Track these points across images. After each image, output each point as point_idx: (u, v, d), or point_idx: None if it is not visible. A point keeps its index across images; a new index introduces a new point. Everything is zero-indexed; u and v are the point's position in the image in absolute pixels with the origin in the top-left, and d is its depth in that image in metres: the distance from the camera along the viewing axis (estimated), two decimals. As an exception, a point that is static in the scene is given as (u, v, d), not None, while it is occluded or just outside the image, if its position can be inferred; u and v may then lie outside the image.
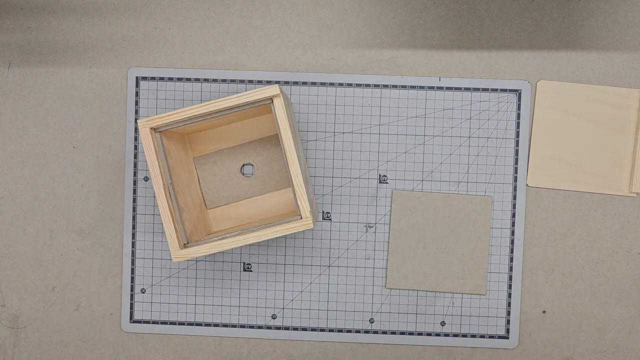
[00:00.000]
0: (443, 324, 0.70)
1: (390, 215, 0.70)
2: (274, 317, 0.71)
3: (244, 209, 0.69)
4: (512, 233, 0.70)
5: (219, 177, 0.69)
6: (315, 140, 0.70)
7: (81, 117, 0.71)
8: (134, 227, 0.71)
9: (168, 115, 0.59)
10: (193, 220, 0.64)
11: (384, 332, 0.70)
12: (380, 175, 0.70)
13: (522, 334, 0.70)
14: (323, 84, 0.70)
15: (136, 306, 0.71)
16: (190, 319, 0.71)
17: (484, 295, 0.70)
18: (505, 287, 0.70)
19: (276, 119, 0.58)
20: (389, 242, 0.70)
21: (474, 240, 0.69)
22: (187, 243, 0.59)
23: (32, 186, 0.71)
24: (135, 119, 0.71)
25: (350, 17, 0.70)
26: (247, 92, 0.58)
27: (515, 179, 0.70)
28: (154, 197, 0.67)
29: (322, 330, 0.70)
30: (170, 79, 0.70)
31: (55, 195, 0.71)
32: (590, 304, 0.70)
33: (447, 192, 0.70)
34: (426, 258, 0.70)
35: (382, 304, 0.70)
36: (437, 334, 0.70)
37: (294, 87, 0.70)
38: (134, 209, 0.71)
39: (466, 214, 0.69)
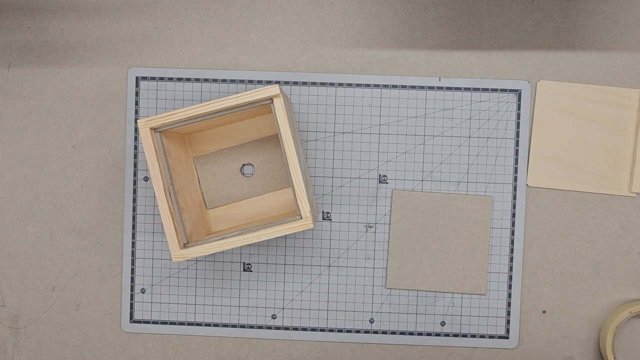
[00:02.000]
0: (443, 324, 0.70)
1: (390, 215, 0.70)
2: (274, 317, 0.71)
3: (244, 209, 0.69)
4: (512, 233, 0.70)
5: (219, 177, 0.69)
6: (315, 140, 0.70)
7: (81, 117, 0.71)
8: (134, 227, 0.71)
9: (168, 115, 0.59)
10: (193, 220, 0.64)
11: (384, 332, 0.70)
12: (380, 175, 0.70)
13: (522, 334, 0.70)
14: (323, 84, 0.70)
15: (136, 306, 0.71)
16: (190, 319, 0.71)
17: (484, 295, 0.70)
18: (505, 287, 0.70)
19: (276, 119, 0.58)
20: (389, 242, 0.70)
21: (474, 240, 0.69)
22: (187, 243, 0.59)
23: (32, 186, 0.71)
24: (135, 119, 0.71)
25: (350, 17, 0.70)
26: (247, 92, 0.58)
27: (515, 179, 0.70)
28: (154, 197, 0.67)
29: (322, 330, 0.70)
30: (170, 79, 0.70)
31: (55, 195, 0.71)
32: (590, 304, 0.70)
33: (447, 192, 0.70)
34: (426, 258, 0.70)
35: (382, 304, 0.70)
36: (437, 334, 0.70)
37: (294, 87, 0.70)
38: (134, 209, 0.71)
39: (466, 214, 0.69)
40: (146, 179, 0.71)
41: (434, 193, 0.70)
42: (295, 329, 0.71)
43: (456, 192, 0.70)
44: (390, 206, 0.70)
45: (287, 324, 0.71)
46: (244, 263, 0.71)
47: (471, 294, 0.70)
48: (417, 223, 0.70)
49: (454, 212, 0.69)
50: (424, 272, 0.70)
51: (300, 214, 0.58)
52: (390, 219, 0.70)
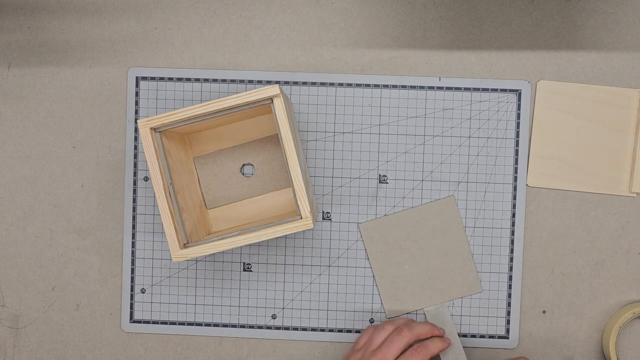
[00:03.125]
0: (443, 324, 0.70)
1: (365, 249, 0.70)
2: (274, 317, 0.71)
3: (244, 209, 0.69)
4: (512, 233, 0.70)
5: (219, 177, 0.69)
6: (315, 140, 0.70)
7: (81, 117, 0.71)
8: (134, 227, 0.71)
9: (168, 115, 0.59)
10: (193, 220, 0.64)
11: (384, 332, 0.70)
12: (380, 175, 0.70)
13: (522, 334, 0.70)
14: (323, 84, 0.70)
15: (136, 306, 0.71)
16: (190, 319, 0.71)
17: (480, 292, 0.70)
18: (505, 287, 0.70)
19: (276, 119, 0.58)
20: (373, 276, 0.70)
21: (452, 242, 0.69)
22: (187, 243, 0.59)
23: (32, 186, 0.71)
24: (135, 119, 0.71)
25: (350, 17, 0.70)
26: (247, 92, 0.58)
27: (515, 179, 0.70)
28: (154, 197, 0.67)
29: (322, 330, 0.70)
30: (170, 79, 0.70)
31: (55, 195, 0.71)
32: (590, 304, 0.70)
33: (410, 205, 0.69)
34: (415, 277, 0.69)
35: (382, 304, 0.70)
36: (437, 334, 0.70)
37: (294, 87, 0.70)
38: (134, 209, 0.71)
39: (434, 221, 0.69)
40: (146, 179, 0.71)
41: (397, 213, 0.69)
42: (295, 329, 0.71)
43: (419, 203, 0.69)
44: (363, 241, 0.70)
45: (287, 324, 0.71)
46: (244, 263, 0.71)
47: (470, 295, 0.70)
48: (393, 247, 0.69)
49: (423, 223, 0.69)
50: (418, 291, 0.69)
51: (300, 214, 0.58)
52: (367, 254, 0.70)
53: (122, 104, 0.71)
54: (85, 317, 0.71)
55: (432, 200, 0.70)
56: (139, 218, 0.71)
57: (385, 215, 0.69)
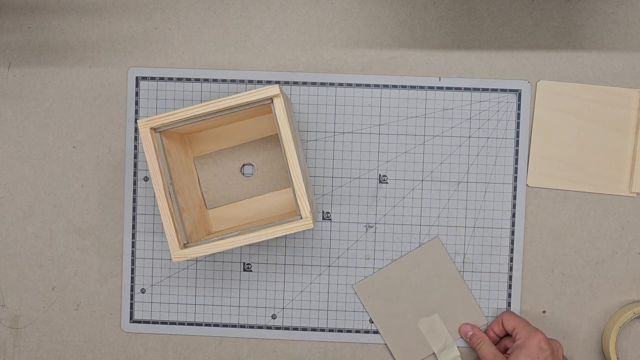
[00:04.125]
0: (443, 324, 0.70)
1: (363, 305, 0.70)
2: (274, 317, 0.71)
3: (244, 209, 0.69)
4: (512, 233, 0.70)
5: (219, 177, 0.69)
6: (315, 140, 0.70)
7: (81, 117, 0.71)
8: (134, 227, 0.71)
9: (168, 115, 0.59)
10: (193, 220, 0.64)
11: (384, 332, 0.70)
12: (380, 175, 0.70)
13: (522, 334, 0.70)
14: (323, 84, 0.70)
15: (136, 306, 0.71)
16: (190, 319, 0.71)
17: (485, 323, 0.69)
18: (505, 287, 0.70)
19: (276, 119, 0.58)
20: (379, 331, 0.69)
21: (446, 282, 0.69)
22: (187, 243, 0.59)
23: (32, 186, 0.71)
24: (135, 119, 0.71)
25: (350, 17, 0.70)
26: (247, 92, 0.58)
27: (515, 179, 0.70)
28: (154, 197, 0.67)
29: (322, 330, 0.70)
30: (170, 79, 0.70)
31: (55, 195, 0.71)
32: (590, 304, 0.70)
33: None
34: (420, 324, 0.69)
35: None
36: (437, 334, 0.70)
37: (294, 87, 0.70)
38: (134, 209, 0.71)
39: (426, 266, 0.69)
40: (146, 179, 0.71)
41: (387, 266, 0.69)
42: (295, 329, 0.71)
43: (407, 251, 0.69)
44: (361, 302, 0.70)
45: (287, 324, 0.71)
46: (244, 263, 0.71)
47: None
48: (391, 300, 0.69)
49: (413, 271, 0.69)
50: (425, 337, 0.69)
51: (300, 214, 0.58)
52: (366, 310, 0.70)
53: (122, 104, 0.71)
54: (85, 317, 0.71)
55: (431, 201, 0.70)
56: (139, 218, 0.71)
57: (380, 268, 0.69)
